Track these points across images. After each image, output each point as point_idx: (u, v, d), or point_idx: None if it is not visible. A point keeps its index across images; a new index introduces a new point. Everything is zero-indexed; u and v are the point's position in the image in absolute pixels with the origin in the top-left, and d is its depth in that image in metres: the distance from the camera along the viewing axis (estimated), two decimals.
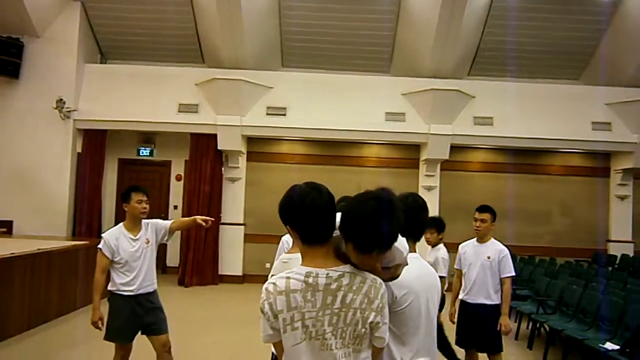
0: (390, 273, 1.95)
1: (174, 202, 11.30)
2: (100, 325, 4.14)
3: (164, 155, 11.37)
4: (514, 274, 4.71)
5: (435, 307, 2.31)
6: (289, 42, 10.78)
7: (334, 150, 10.93)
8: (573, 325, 6.19)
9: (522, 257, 9.91)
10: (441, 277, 4.67)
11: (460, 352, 4.99)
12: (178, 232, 10.17)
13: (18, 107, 10.08)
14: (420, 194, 2.62)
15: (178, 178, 11.35)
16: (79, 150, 10.44)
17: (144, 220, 4.31)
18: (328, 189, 1.86)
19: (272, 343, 1.86)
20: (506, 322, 4.57)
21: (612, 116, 10.38)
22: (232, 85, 10.04)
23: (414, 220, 2.31)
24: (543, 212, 11.08)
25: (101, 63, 11.11)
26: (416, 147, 10.91)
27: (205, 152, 10.46)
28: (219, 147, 10.30)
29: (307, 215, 1.79)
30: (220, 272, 10.54)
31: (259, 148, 10.99)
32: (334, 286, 1.77)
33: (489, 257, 4.70)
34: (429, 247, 5.24)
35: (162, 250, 10.78)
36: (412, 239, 2.34)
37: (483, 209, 4.81)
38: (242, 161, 10.82)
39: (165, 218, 4.68)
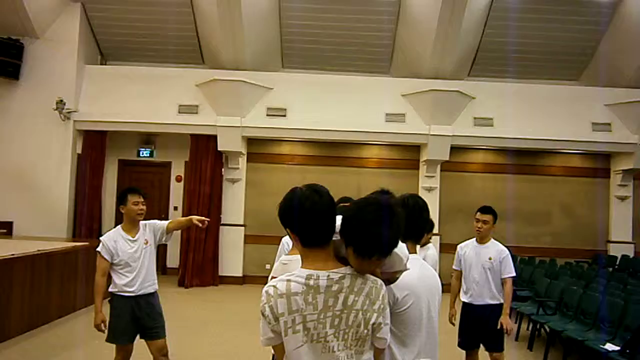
0: (389, 275, 1.95)
1: (174, 203, 11.29)
2: (103, 328, 4.15)
3: (164, 156, 11.37)
4: (514, 274, 4.71)
5: (436, 308, 2.31)
6: (289, 43, 10.78)
7: (334, 151, 10.93)
8: (573, 326, 6.19)
9: (522, 258, 9.91)
10: None
11: (461, 353, 4.96)
12: (178, 234, 10.32)
13: (18, 108, 10.09)
14: (420, 194, 2.62)
15: (178, 179, 11.35)
16: (79, 151, 10.44)
17: (141, 222, 4.32)
18: (328, 192, 1.85)
19: (272, 346, 1.86)
20: (507, 321, 4.57)
21: (612, 117, 10.38)
22: (232, 86, 10.04)
23: (415, 222, 2.31)
24: (543, 213, 11.08)
25: (101, 64, 11.11)
26: (416, 148, 10.91)
27: (205, 153, 10.46)
28: (219, 148, 10.31)
29: (306, 219, 1.78)
30: (220, 273, 10.54)
31: (259, 149, 10.99)
32: (335, 288, 1.76)
33: (490, 259, 4.70)
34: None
35: (162, 251, 10.79)
36: (413, 241, 2.35)
37: (485, 210, 4.80)
38: (242, 162, 10.82)
39: (166, 219, 4.68)
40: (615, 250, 10.66)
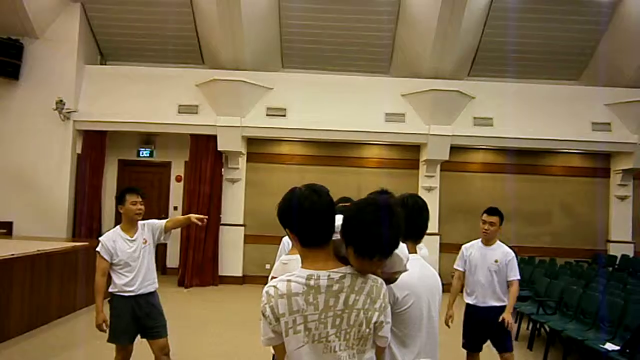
0: (388, 276, 1.95)
1: (174, 203, 11.29)
2: (104, 328, 4.16)
3: (164, 156, 11.37)
4: (519, 277, 4.68)
5: (436, 308, 2.31)
6: (289, 43, 10.78)
7: (334, 151, 10.93)
8: (573, 325, 6.19)
9: (522, 258, 9.88)
10: None
11: (462, 354, 4.94)
12: (177, 233, 10.34)
13: (18, 108, 10.09)
14: (420, 194, 2.62)
15: (178, 179, 11.35)
16: (78, 151, 10.44)
17: (140, 222, 4.33)
18: (328, 192, 1.85)
19: (273, 346, 1.86)
20: (509, 317, 4.51)
21: (612, 117, 10.38)
22: (232, 86, 10.04)
23: (415, 222, 2.31)
24: (543, 213, 11.08)
25: (101, 64, 11.11)
26: (416, 148, 10.91)
27: (205, 153, 10.46)
28: (219, 148, 10.31)
29: (306, 219, 1.78)
30: (220, 273, 10.54)
31: (259, 149, 10.99)
32: (336, 288, 1.76)
33: (496, 261, 4.66)
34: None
35: (162, 251, 10.79)
36: (413, 240, 2.34)
37: (492, 211, 4.73)
38: (242, 162, 10.83)
39: (165, 219, 4.69)
40: (615, 250, 10.66)
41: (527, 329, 7.21)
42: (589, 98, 10.47)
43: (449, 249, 10.50)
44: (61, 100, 9.86)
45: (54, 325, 6.95)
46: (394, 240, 1.79)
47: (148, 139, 11.25)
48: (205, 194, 10.37)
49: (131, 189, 4.37)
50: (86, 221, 10.18)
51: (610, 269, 9.79)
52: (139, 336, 4.31)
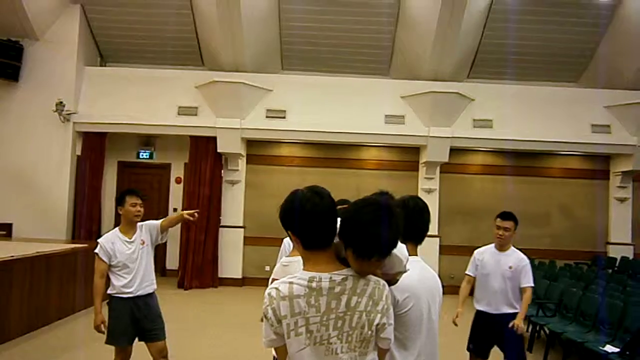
0: (389, 277, 1.95)
1: (174, 205, 11.27)
2: (103, 329, 4.16)
3: (164, 158, 11.36)
4: (532, 284, 4.55)
5: (436, 310, 2.31)
6: (289, 45, 10.79)
7: (333, 152, 10.93)
8: (573, 328, 6.19)
9: None
10: None
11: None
12: (177, 235, 10.34)
13: (17, 110, 10.09)
14: (419, 196, 2.61)
15: (178, 181, 11.34)
16: (78, 153, 10.43)
17: (138, 223, 4.34)
18: (329, 194, 1.85)
19: (274, 348, 1.86)
20: (520, 322, 4.40)
21: (611, 119, 10.39)
22: (231, 88, 10.05)
23: (415, 224, 2.31)
24: (542, 215, 11.08)
25: (101, 66, 11.11)
26: (416, 150, 10.91)
27: (204, 154, 10.45)
28: (218, 150, 10.30)
29: (308, 221, 1.78)
30: (219, 275, 10.53)
31: (259, 151, 10.99)
32: (337, 290, 1.76)
33: (510, 267, 4.53)
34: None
35: (161, 253, 10.79)
36: (414, 242, 2.34)
37: (506, 216, 4.59)
38: (242, 164, 10.83)
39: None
40: (614, 252, 10.66)
41: (527, 331, 7.17)
42: (589, 100, 10.47)
43: (448, 250, 10.55)
44: (61, 102, 9.86)
45: (54, 327, 6.95)
46: (392, 240, 1.78)
47: (148, 140, 11.25)
48: (205, 195, 10.36)
49: (131, 190, 4.38)
50: (86, 223, 10.17)
51: (610, 271, 9.79)
52: (137, 338, 4.31)
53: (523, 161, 10.95)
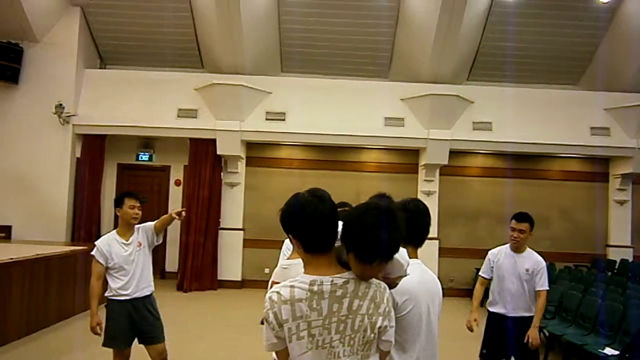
0: (389, 281, 1.95)
1: (173, 207, 11.26)
2: (98, 331, 4.15)
3: (163, 160, 11.37)
4: (548, 288, 4.41)
5: (436, 313, 2.31)
6: (288, 47, 10.80)
7: (333, 155, 10.93)
8: (572, 330, 6.19)
9: None
10: None
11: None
12: (176, 238, 10.36)
13: (17, 112, 10.09)
14: (419, 199, 2.61)
15: (177, 183, 11.34)
16: (78, 155, 10.44)
17: (136, 225, 4.34)
18: (330, 197, 1.86)
19: (275, 351, 1.85)
20: (535, 334, 4.28)
21: (611, 121, 10.40)
22: (231, 90, 10.05)
23: (416, 226, 2.31)
24: (542, 217, 11.03)
25: (100, 68, 11.12)
26: (415, 152, 10.92)
27: (204, 157, 10.45)
28: (218, 152, 10.30)
29: (309, 225, 1.78)
30: (219, 277, 10.52)
31: (258, 153, 11.00)
32: (339, 293, 1.76)
33: (527, 270, 4.39)
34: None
35: (161, 255, 10.79)
36: (414, 245, 2.34)
37: (521, 217, 4.43)
38: (241, 166, 10.83)
39: None
40: (614, 254, 10.66)
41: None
42: (588, 103, 10.49)
43: (447, 253, 10.56)
44: (61, 104, 9.87)
45: (53, 330, 6.94)
46: (395, 244, 1.78)
47: (147, 143, 11.25)
48: (205, 198, 10.36)
49: (131, 193, 4.40)
50: (85, 225, 10.17)
51: (610, 273, 9.80)
52: (136, 341, 4.30)
53: (522, 164, 10.95)
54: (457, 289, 10.50)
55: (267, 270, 9.85)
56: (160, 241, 4.49)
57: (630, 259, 10.45)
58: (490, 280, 4.64)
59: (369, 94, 10.43)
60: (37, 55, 10.13)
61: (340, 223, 1.83)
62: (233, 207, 10.76)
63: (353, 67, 11.02)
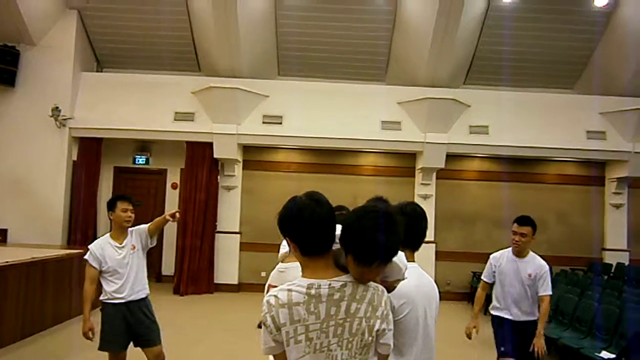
0: (387, 284, 1.95)
1: (169, 211, 11.22)
2: (91, 336, 4.14)
3: (160, 164, 11.35)
4: (551, 293, 4.37)
5: (433, 316, 2.31)
6: (285, 50, 10.81)
7: (330, 158, 10.94)
8: (569, 334, 6.20)
9: None
10: None
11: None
12: (172, 241, 10.35)
13: (14, 115, 10.07)
14: (416, 202, 2.62)
15: (174, 186, 11.33)
16: (74, 158, 10.41)
17: (129, 228, 4.34)
18: (328, 200, 1.86)
19: (273, 355, 1.85)
20: (540, 342, 4.22)
21: (607, 125, 10.43)
22: (228, 93, 10.05)
23: (413, 230, 2.31)
24: (538, 221, 10.74)
25: (97, 71, 11.11)
26: (412, 156, 10.92)
27: (201, 160, 10.44)
28: (214, 156, 10.30)
29: (306, 228, 1.78)
30: (215, 281, 10.49)
31: (255, 156, 10.98)
32: (337, 296, 1.76)
33: (530, 275, 4.35)
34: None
35: (157, 258, 10.77)
36: (411, 249, 2.34)
37: (523, 221, 4.41)
38: (238, 170, 10.81)
39: None
40: (610, 258, 10.68)
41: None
42: (584, 106, 10.52)
43: (444, 256, 10.56)
44: (57, 107, 9.85)
45: (49, 333, 6.91)
46: (393, 246, 1.79)
47: (144, 146, 11.23)
48: (201, 201, 10.34)
49: (123, 196, 4.40)
50: (81, 228, 10.13)
51: (606, 277, 9.83)
52: (132, 345, 4.29)
53: (519, 167, 10.98)
54: (454, 293, 10.50)
55: (263, 274, 9.83)
56: (155, 244, 4.49)
57: (627, 263, 10.48)
58: (492, 284, 4.60)
59: (366, 97, 10.45)
60: (34, 58, 10.12)
61: (339, 226, 1.83)
62: (230, 211, 10.75)
63: (350, 70, 11.03)
